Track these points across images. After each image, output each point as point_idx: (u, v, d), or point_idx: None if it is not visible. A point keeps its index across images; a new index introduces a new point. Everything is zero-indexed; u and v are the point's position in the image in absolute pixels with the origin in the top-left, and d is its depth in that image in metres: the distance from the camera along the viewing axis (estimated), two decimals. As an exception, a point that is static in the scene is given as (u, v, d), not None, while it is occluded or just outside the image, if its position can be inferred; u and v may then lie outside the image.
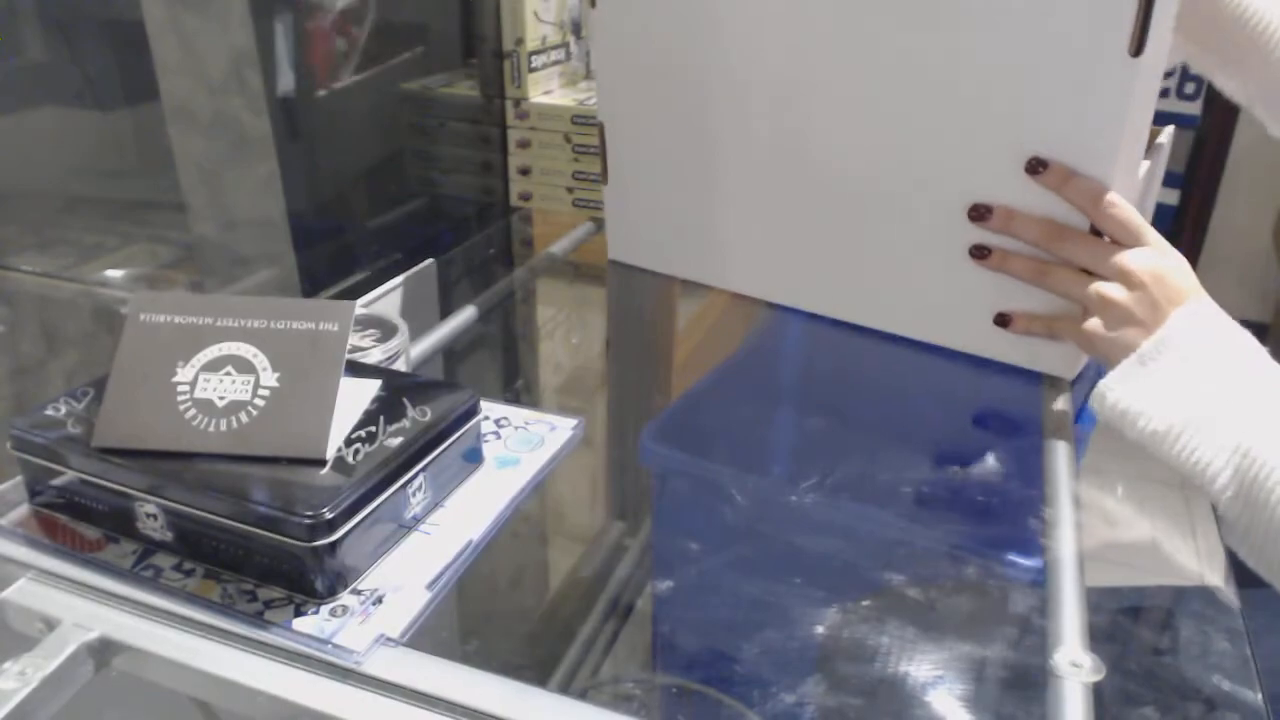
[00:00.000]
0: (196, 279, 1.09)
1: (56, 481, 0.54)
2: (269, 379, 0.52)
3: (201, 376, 0.52)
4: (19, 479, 0.56)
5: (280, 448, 0.50)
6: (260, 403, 0.52)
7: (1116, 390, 0.59)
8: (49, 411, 0.54)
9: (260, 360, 0.52)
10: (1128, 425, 0.58)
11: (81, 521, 0.54)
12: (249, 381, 0.52)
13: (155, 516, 0.51)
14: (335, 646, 0.46)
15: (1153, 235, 0.63)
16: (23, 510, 0.56)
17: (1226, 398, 0.55)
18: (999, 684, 0.53)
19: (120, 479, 0.51)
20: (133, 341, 0.54)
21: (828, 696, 0.56)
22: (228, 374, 0.52)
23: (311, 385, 0.52)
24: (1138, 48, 0.60)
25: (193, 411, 0.51)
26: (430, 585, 0.51)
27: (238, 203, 1.07)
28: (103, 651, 0.48)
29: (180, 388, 0.52)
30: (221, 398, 0.52)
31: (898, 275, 0.78)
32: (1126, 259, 0.62)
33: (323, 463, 0.50)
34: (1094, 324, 0.64)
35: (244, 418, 0.51)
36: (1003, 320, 0.73)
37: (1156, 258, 0.62)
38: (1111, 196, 0.63)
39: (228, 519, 0.49)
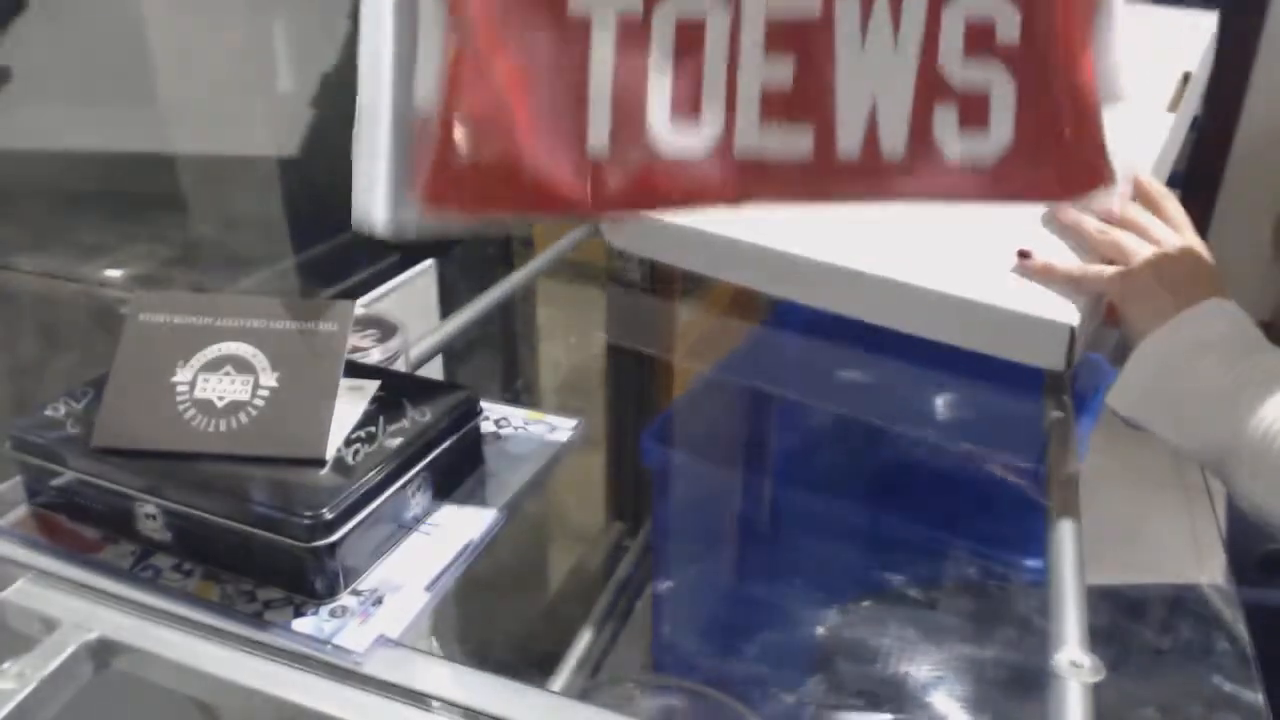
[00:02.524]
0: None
1: (56, 482, 0.54)
2: (268, 379, 0.52)
3: (201, 377, 0.52)
4: (19, 479, 0.56)
5: (279, 448, 0.50)
6: (260, 403, 0.51)
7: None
8: (48, 412, 0.54)
9: (260, 360, 0.52)
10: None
11: (81, 522, 0.54)
12: (249, 382, 0.52)
13: (154, 517, 0.51)
14: (335, 647, 0.46)
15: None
16: (22, 510, 0.56)
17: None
18: (999, 684, 0.53)
19: (119, 479, 0.51)
20: (132, 341, 0.54)
21: (828, 696, 0.56)
22: (227, 374, 0.52)
23: (311, 385, 0.52)
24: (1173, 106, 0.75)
25: (192, 412, 0.51)
26: (430, 585, 0.50)
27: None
28: (102, 652, 0.48)
29: (180, 388, 0.52)
30: (221, 398, 0.52)
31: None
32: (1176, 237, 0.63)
33: (322, 463, 0.50)
34: (1138, 271, 0.62)
35: (243, 418, 0.51)
36: (1023, 254, 0.69)
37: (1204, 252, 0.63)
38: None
39: (227, 519, 0.49)
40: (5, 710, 0.44)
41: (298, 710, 0.45)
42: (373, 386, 0.57)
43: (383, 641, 0.47)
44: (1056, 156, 0.50)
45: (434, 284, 0.92)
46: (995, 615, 0.58)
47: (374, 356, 0.64)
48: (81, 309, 1.04)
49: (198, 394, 0.52)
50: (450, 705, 0.44)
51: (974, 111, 0.49)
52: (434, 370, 0.74)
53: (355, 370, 0.60)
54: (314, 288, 1.08)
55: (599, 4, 0.48)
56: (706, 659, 0.64)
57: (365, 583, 0.50)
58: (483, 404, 0.59)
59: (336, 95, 1.10)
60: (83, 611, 0.49)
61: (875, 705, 0.54)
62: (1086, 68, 0.50)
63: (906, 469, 0.69)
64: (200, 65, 1.10)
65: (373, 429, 0.54)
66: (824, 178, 0.50)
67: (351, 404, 0.55)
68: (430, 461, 0.54)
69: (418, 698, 0.45)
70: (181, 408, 0.52)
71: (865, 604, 0.61)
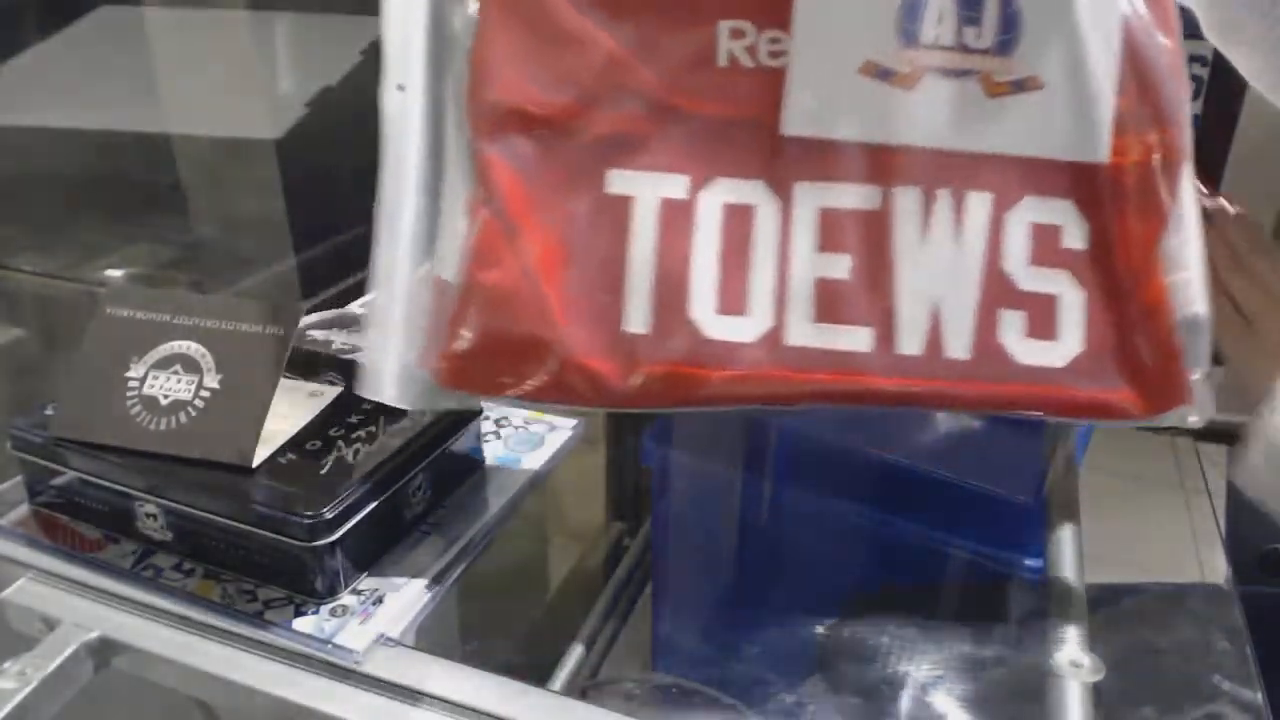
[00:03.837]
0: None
1: (56, 481, 0.54)
2: (211, 380, 0.52)
3: (152, 373, 0.52)
4: (19, 479, 0.56)
5: (210, 451, 0.50)
6: (200, 404, 0.51)
7: None
8: (49, 411, 0.54)
9: (207, 361, 0.52)
10: None
11: (81, 521, 0.54)
12: (193, 381, 0.52)
13: (155, 516, 0.51)
14: (335, 646, 0.46)
15: None
16: (23, 510, 0.56)
17: None
18: (999, 684, 0.53)
19: (120, 479, 0.51)
20: (97, 334, 0.54)
21: (827, 696, 0.56)
22: (175, 373, 0.52)
23: (248, 390, 0.51)
24: None
25: (139, 408, 0.52)
26: (430, 585, 0.51)
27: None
28: (103, 651, 0.48)
29: (130, 383, 0.52)
30: (166, 396, 0.52)
31: None
32: None
33: (250, 470, 0.50)
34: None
35: (183, 418, 0.51)
36: None
37: None
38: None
39: (228, 519, 0.49)
40: (5, 710, 0.44)
41: (298, 710, 0.45)
42: (333, 393, 0.57)
43: (383, 641, 0.47)
44: (1130, 373, 0.46)
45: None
46: (995, 615, 0.58)
47: (374, 356, 0.64)
48: (81, 309, 1.04)
49: (146, 390, 0.52)
50: (450, 705, 0.44)
51: (1041, 319, 0.45)
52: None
53: (351, 370, 0.60)
54: (314, 288, 1.08)
55: (641, 184, 0.45)
56: (706, 659, 0.64)
57: (365, 582, 0.50)
58: (483, 403, 0.59)
59: (336, 96, 1.10)
60: (83, 611, 0.49)
61: (874, 705, 0.54)
62: (1159, 282, 0.46)
63: (907, 468, 0.69)
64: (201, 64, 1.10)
65: (373, 429, 0.54)
66: (883, 380, 0.45)
67: (303, 410, 0.55)
68: (430, 461, 0.54)
69: (418, 698, 0.45)
70: (130, 403, 0.52)
71: (865, 604, 0.61)
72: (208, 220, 1.19)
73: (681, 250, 0.45)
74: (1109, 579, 0.61)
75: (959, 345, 0.45)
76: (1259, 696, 0.53)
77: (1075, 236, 0.46)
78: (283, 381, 0.52)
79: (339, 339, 0.66)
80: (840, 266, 0.45)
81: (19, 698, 0.44)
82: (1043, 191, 0.45)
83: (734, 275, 0.45)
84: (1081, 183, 0.45)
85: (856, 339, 0.45)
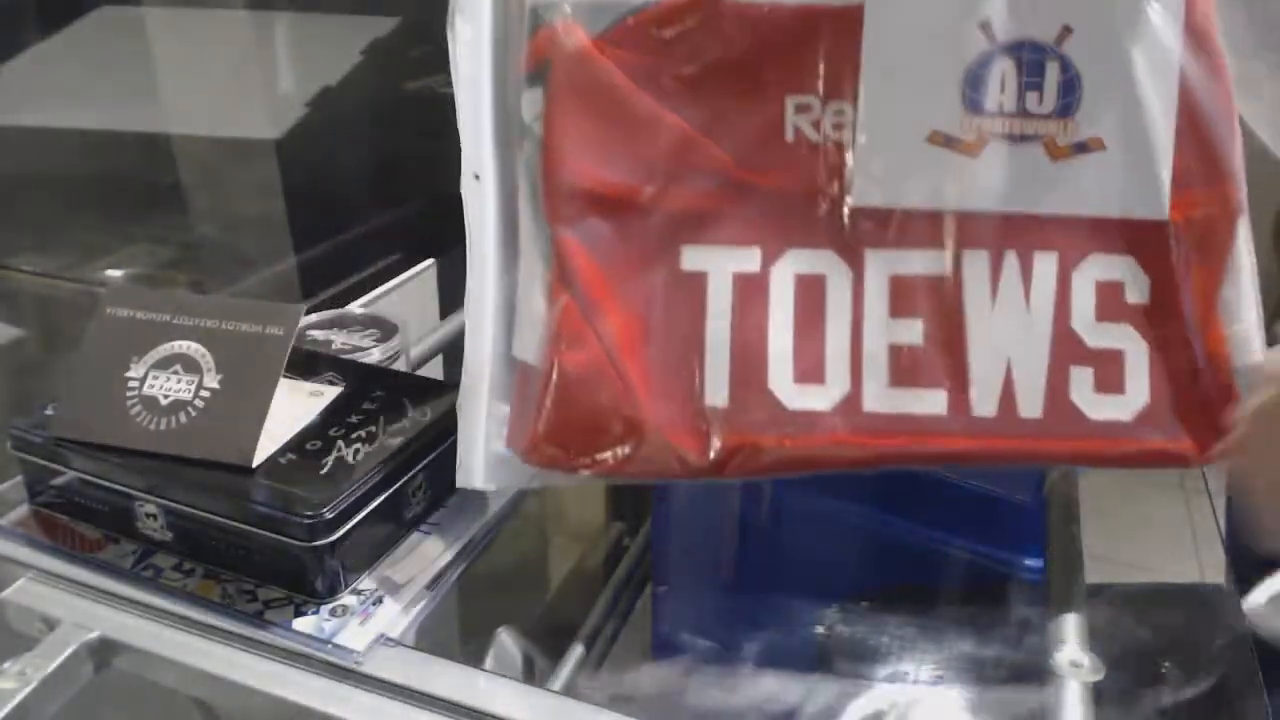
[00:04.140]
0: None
1: (56, 481, 0.54)
2: (211, 380, 0.52)
3: (152, 374, 0.52)
4: (19, 479, 0.56)
5: (210, 451, 0.50)
6: (200, 404, 0.51)
7: None
8: (49, 411, 0.54)
9: (207, 361, 0.52)
10: None
11: (81, 521, 0.54)
12: (193, 382, 0.52)
13: (155, 516, 0.51)
14: (335, 646, 0.46)
15: None
16: (23, 510, 0.56)
17: None
18: (999, 684, 0.53)
19: (120, 479, 0.51)
20: (97, 334, 0.54)
21: (827, 696, 0.56)
22: (175, 373, 0.52)
23: (248, 390, 0.51)
24: None
25: (139, 408, 0.52)
26: (430, 585, 0.51)
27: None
28: (103, 651, 0.48)
29: (130, 383, 0.52)
30: (166, 396, 0.52)
31: None
32: None
33: (250, 470, 0.50)
34: None
35: (183, 418, 0.51)
36: None
37: None
38: None
39: (228, 519, 0.49)
40: (5, 710, 0.44)
41: (298, 710, 0.45)
42: (333, 393, 0.57)
43: (383, 641, 0.47)
44: (1191, 421, 0.47)
45: (434, 284, 0.92)
46: (995, 615, 0.58)
47: (374, 356, 0.64)
48: (81, 309, 1.04)
49: (146, 390, 0.52)
50: (450, 705, 0.44)
51: (1109, 374, 0.46)
52: (434, 370, 0.74)
53: (353, 370, 0.60)
54: (314, 288, 1.08)
55: (714, 259, 0.46)
56: (706, 658, 0.64)
57: (365, 582, 0.50)
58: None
59: (336, 96, 1.10)
60: (83, 611, 0.49)
61: (873, 704, 0.54)
62: (1218, 333, 0.47)
63: (907, 468, 0.69)
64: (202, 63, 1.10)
65: (373, 429, 0.54)
66: (960, 441, 0.46)
67: (303, 410, 0.55)
68: (430, 461, 0.54)
69: (418, 698, 0.45)
70: (130, 403, 0.52)
71: (865, 604, 0.61)
72: (208, 220, 1.20)
73: (757, 322, 0.46)
74: (1109, 579, 0.61)
75: (1032, 404, 0.46)
76: (1261, 697, 0.53)
77: (1137, 291, 0.46)
78: (283, 381, 0.52)
79: (339, 339, 0.66)
80: (913, 331, 0.46)
81: (19, 698, 0.44)
82: (1106, 249, 0.46)
83: (809, 345, 0.46)
84: (1142, 238, 0.46)
85: (932, 402, 0.46)
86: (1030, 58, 0.45)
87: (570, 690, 0.55)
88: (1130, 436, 0.46)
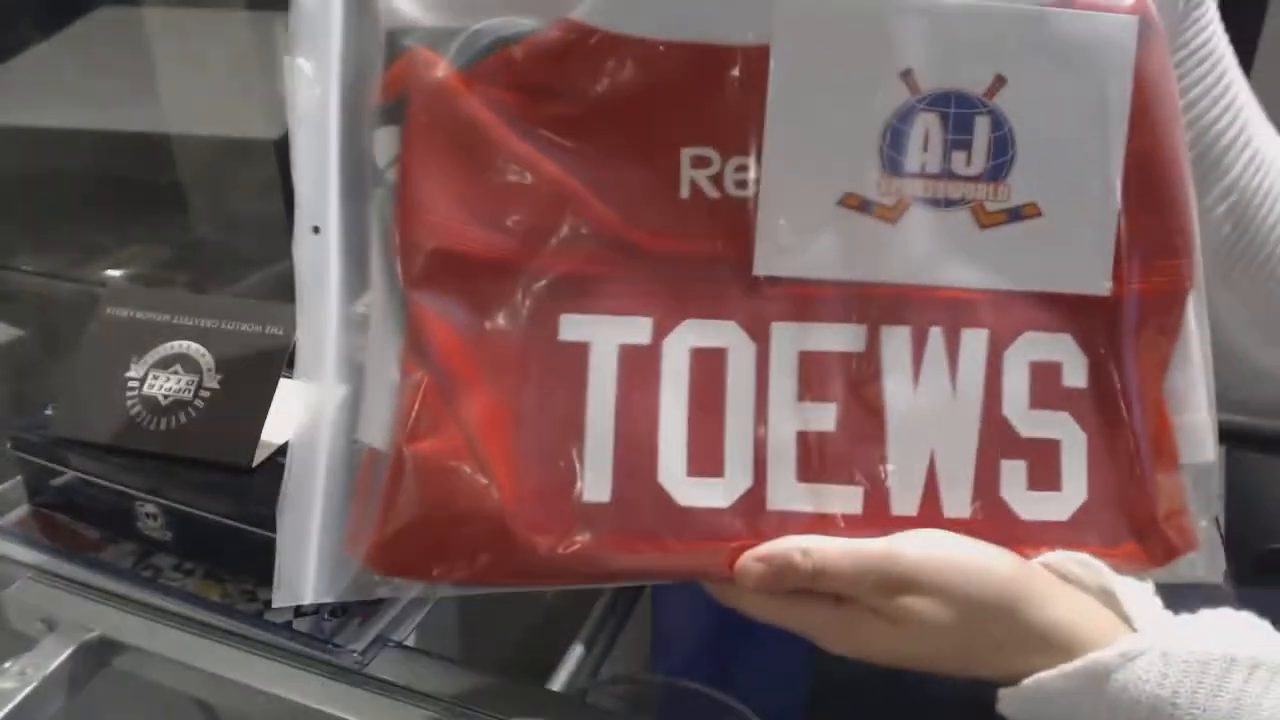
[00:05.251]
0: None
1: (56, 481, 0.54)
2: (211, 380, 0.52)
3: (152, 373, 0.52)
4: (19, 479, 0.56)
5: (211, 452, 0.50)
6: (200, 404, 0.51)
7: None
8: (49, 411, 0.54)
9: (207, 361, 0.52)
10: None
11: (81, 521, 0.54)
12: (193, 381, 0.52)
13: (155, 516, 0.51)
14: (335, 646, 0.46)
15: None
16: (23, 510, 0.56)
17: None
18: (999, 684, 0.53)
19: (120, 479, 0.51)
20: (97, 334, 0.54)
21: (826, 695, 0.56)
22: (175, 372, 0.52)
23: (249, 390, 0.51)
24: None
25: (139, 408, 0.52)
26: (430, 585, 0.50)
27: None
28: (103, 651, 0.48)
29: (130, 383, 0.52)
30: (166, 396, 0.52)
31: None
32: None
33: (250, 470, 0.50)
34: None
35: (183, 418, 0.51)
36: None
37: None
38: None
39: (228, 519, 0.49)
40: (5, 710, 0.44)
41: (298, 710, 0.45)
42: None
43: (383, 641, 0.47)
44: (1135, 523, 0.41)
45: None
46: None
47: (374, 356, 0.64)
48: (81, 309, 1.04)
49: (146, 390, 0.52)
50: (450, 705, 0.44)
51: (1044, 468, 0.40)
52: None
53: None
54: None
55: (598, 329, 0.39)
56: (706, 659, 0.64)
57: (365, 582, 0.50)
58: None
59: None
60: (83, 611, 0.49)
61: (873, 704, 0.54)
62: (1164, 422, 0.42)
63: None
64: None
65: (373, 429, 0.53)
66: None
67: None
68: (430, 461, 0.54)
69: (418, 698, 0.45)
70: (130, 403, 0.52)
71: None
72: (207, 220, 1.19)
73: (646, 403, 0.39)
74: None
75: (958, 503, 0.40)
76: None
77: (1076, 375, 0.41)
78: (283, 381, 0.52)
79: (339, 339, 0.66)
80: (825, 418, 0.40)
81: (19, 698, 0.44)
82: (1041, 327, 0.41)
83: (706, 431, 0.39)
84: (1080, 314, 0.41)
85: (846, 500, 0.40)
86: (957, 112, 0.39)
87: (570, 690, 0.55)
88: (1066, 540, 0.40)
